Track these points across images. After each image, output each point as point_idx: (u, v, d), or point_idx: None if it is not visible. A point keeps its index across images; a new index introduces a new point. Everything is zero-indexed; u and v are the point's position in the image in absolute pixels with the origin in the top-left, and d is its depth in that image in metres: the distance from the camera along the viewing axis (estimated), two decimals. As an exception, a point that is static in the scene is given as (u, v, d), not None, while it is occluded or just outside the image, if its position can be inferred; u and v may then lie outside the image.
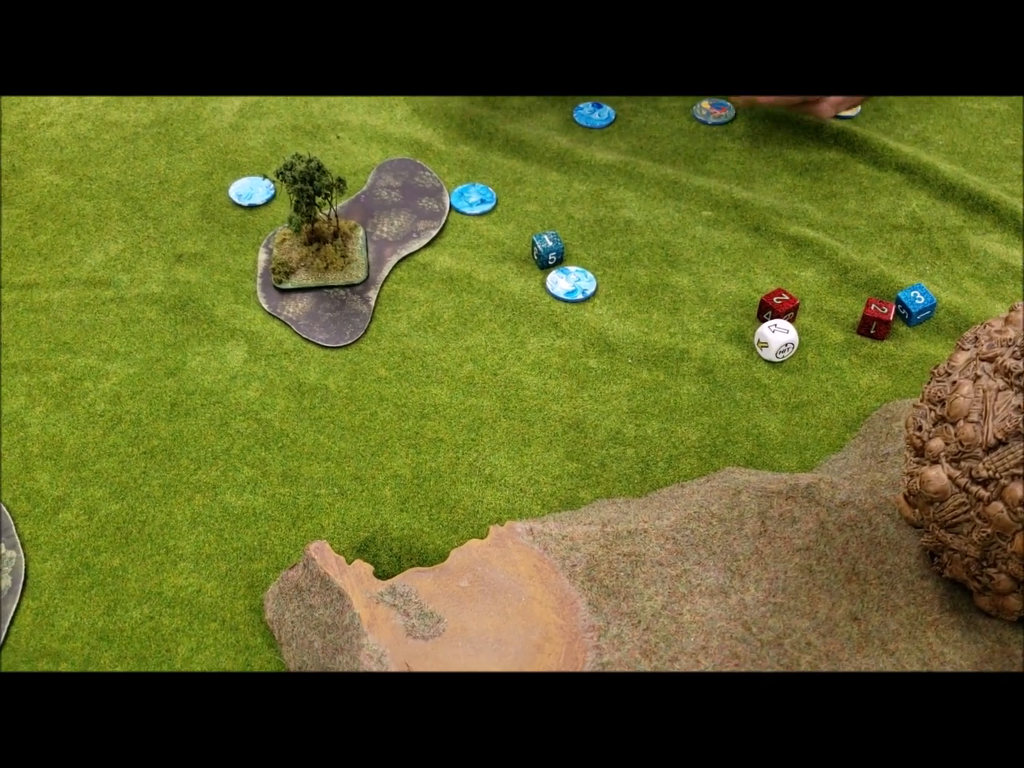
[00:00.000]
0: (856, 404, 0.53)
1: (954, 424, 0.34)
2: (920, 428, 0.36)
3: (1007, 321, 0.35)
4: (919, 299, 0.56)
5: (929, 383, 0.37)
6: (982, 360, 0.34)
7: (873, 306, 0.55)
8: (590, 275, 0.60)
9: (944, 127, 0.70)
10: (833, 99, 0.63)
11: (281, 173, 0.56)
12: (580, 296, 0.59)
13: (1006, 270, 0.60)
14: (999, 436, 0.32)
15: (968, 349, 0.36)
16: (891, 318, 0.55)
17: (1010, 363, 0.33)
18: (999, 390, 0.33)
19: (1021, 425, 0.32)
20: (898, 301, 0.56)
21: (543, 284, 0.60)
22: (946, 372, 0.36)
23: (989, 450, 0.33)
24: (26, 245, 0.63)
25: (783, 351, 0.54)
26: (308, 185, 0.56)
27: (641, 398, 0.54)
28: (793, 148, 0.69)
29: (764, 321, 0.57)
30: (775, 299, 0.56)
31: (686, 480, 0.49)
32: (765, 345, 0.54)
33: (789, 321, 0.56)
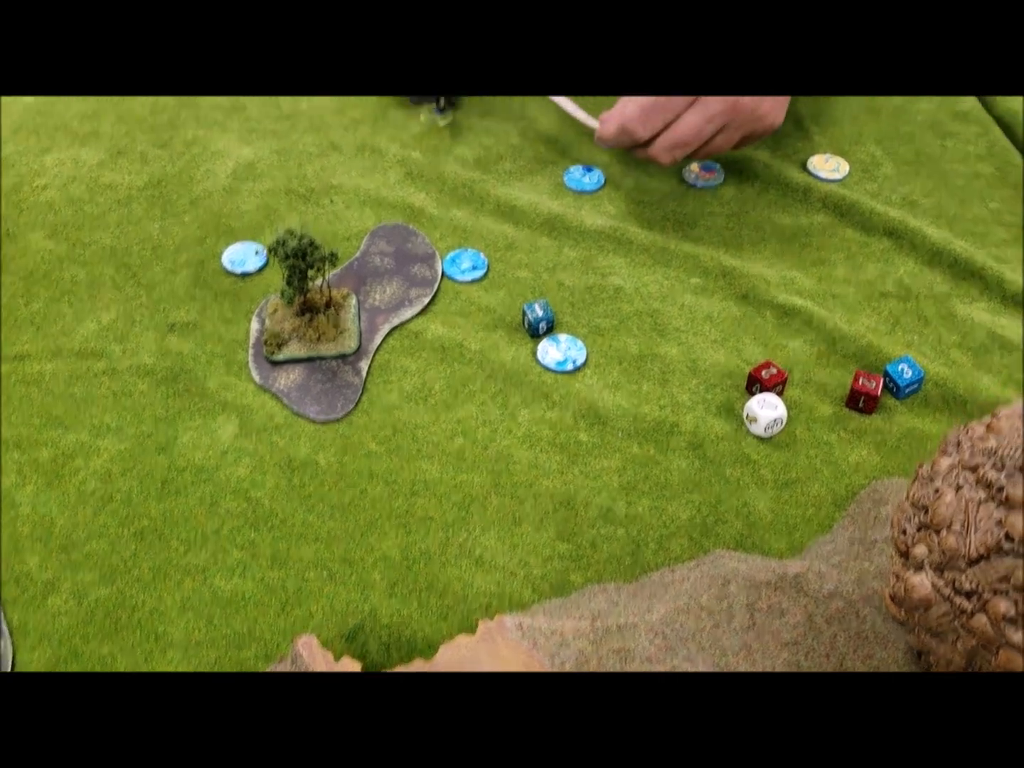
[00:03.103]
0: (845, 481, 0.53)
1: (937, 532, 0.35)
2: (904, 532, 0.37)
3: (989, 428, 0.35)
4: (907, 372, 0.56)
5: (913, 483, 0.38)
6: (964, 469, 0.35)
7: (861, 380, 0.56)
8: (580, 344, 0.60)
9: (931, 189, 0.71)
10: (666, 140, 0.62)
11: (273, 249, 0.56)
12: (570, 366, 0.59)
13: (993, 340, 0.60)
14: (981, 551, 0.33)
15: (951, 454, 0.36)
16: (879, 392, 0.55)
17: (991, 475, 0.33)
18: (981, 502, 0.33)
19: (1003, 540, 0.32)
20: (886, 374, 0.57)
21: (534, 353, 0.60)
22: (929, 477, 0.36)
23: (972, 563, 0.33)
24: (19, 314, 0.63)
25: (771, 427, 0.55)
26: (300, 261, 0.56)
27: (632, 474, 0.54)
28: (782, 212, 0.69)
29: (753, 394, 0.57)
30: (763, 372, 0.56)
31: (676, 563, 0.50)
32: (754, 420, 0.55)
33: (778, 394, 0.56)
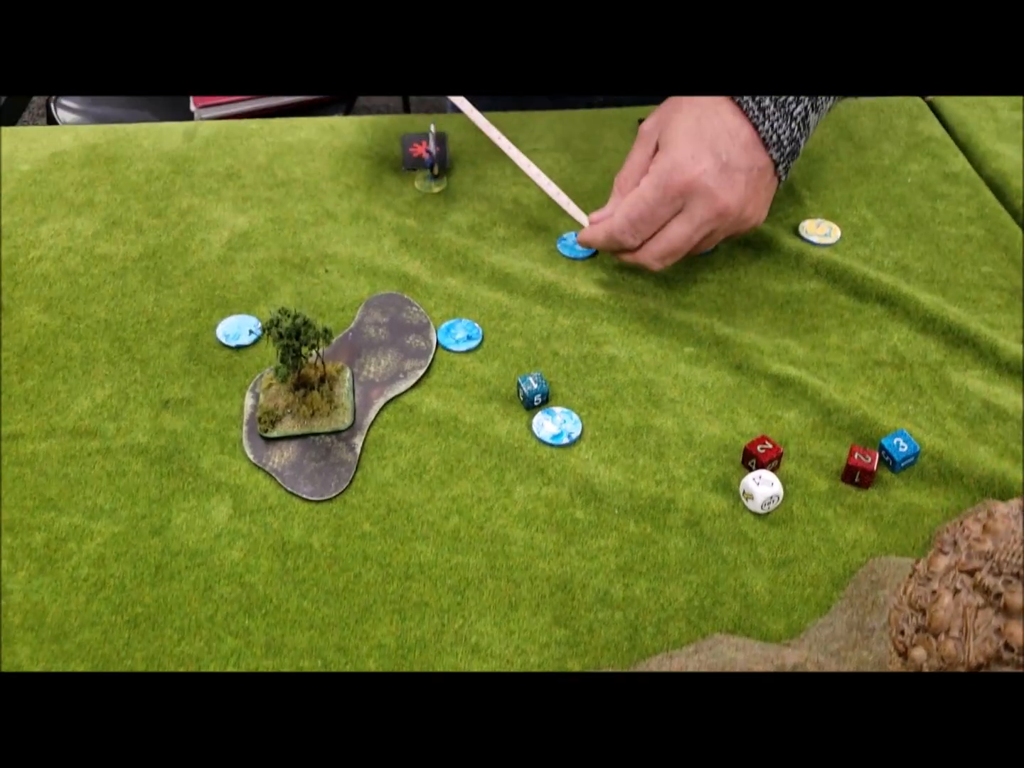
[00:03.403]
0: (842, 559, 0.53)
1: (936, 636, 0.34)
2: (903, 632, 0.36)
3: (985, 529, 0.35)
4: (902, 447, 0.56)
5: (910, 580, 0.37)
6: (961, 571, 0.34)
7: (857, 455, 0.55)
8: (575, 417, 0.60)
9: (923, 254, 0.71)
10: (655, 249, 0.64)
11: (267, 329, 0.56)
12: (566, 440, 0.59)
13: (988, 409, 0.60)
14: (980, 659, 0.32)
15: (948, 554, 0.36)
16: (875, 467, 0.55)
17: (989, 581, 0.33)
18: (979, 607, 0.33)
19: (1003, 650, 0.32)
20: (882, 448, 0.57)
21: (529, 426, 0.60)
22: (926, 576, 0.36)
23: (971, 671, 0.33)
24: (13, 391, 0.63)
25: (768, 503, 0.54)
26: (295, 340, 0.56)
27: (629, 553, 0.54)
28: (774, 278, 0.70)
29: (749, 469, 0.57)
30: (759, 447, 0.56)
31: (674, 647, 0.49)
32: (751, 497, 0.55)
33: (773, 470, 0.56)
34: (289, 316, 0.57)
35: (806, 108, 0.63)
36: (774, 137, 0.63)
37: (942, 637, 0.34)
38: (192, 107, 1.49)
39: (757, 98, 0.62)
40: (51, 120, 1.53)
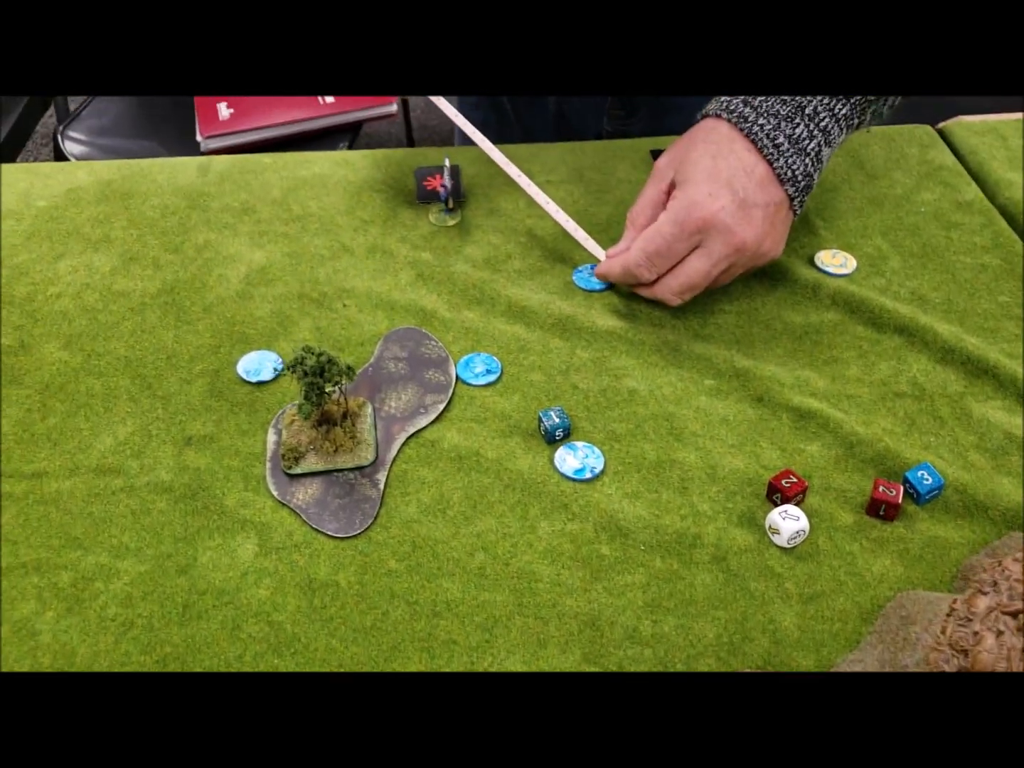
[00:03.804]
0: (870, 593, 0.53)
1: (978, 680, 0.34)
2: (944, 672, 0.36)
3: (1025, 570, 0.35)
4: (927, 479, 0.56)
5: (948, 621, 0.37)
6: (1004, 613, 0.35)
7: (881, 488, 0.56)
8: (598, 451, 0.60)
9: (939, 283, 0.71)
10: (673, 284, 0.65)
11: (292, 367, 0.57)
12: (588, 475, 0.59)
13: (1010, 441, 0.60)
14: (1026, 703, 0.32)
15: (988, 593, 0.36)
16: (900, 501, 0.55)
17: (1032, 623, 0.33)
18: None
19: (1047, 693, 0.32)
20: (906, 481, 0.57)
21: (551, 461, 0.60)
22: (967, 616, 0.36)
23: (1016, 714, 0.33)
24: (35, 429, 0.63)
25: (794, 538, 0.55)
26: (319, 378, 0.57)
27: (656, 590, 0.54)
28: (791, 309, 0.70)
29: (774, 503, 0.57)
30: (783, 482, 0.56)
31: (704, 685, 0.49)
32: (777, 532, 0.55)
33: (798, 504, 0.56)
34: (313, 354, 0.57)
35: (819, 144, 0.64)
36: (788, 173, 0.64)
37: (985, 679, 0.34)
38: (198, 137, 1.50)
39: (771, 136, 0.63)
40: (58, 150, 1.54)
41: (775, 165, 0.63)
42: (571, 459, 0.60)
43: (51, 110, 2.19)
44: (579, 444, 0.61)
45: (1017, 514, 0.55)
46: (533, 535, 0.56)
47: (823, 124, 0.65)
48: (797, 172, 0.64)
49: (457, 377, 0.66)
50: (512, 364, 0.67)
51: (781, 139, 0.63)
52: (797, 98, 0.64)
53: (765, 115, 0.64)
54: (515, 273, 0.74)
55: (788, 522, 0.54)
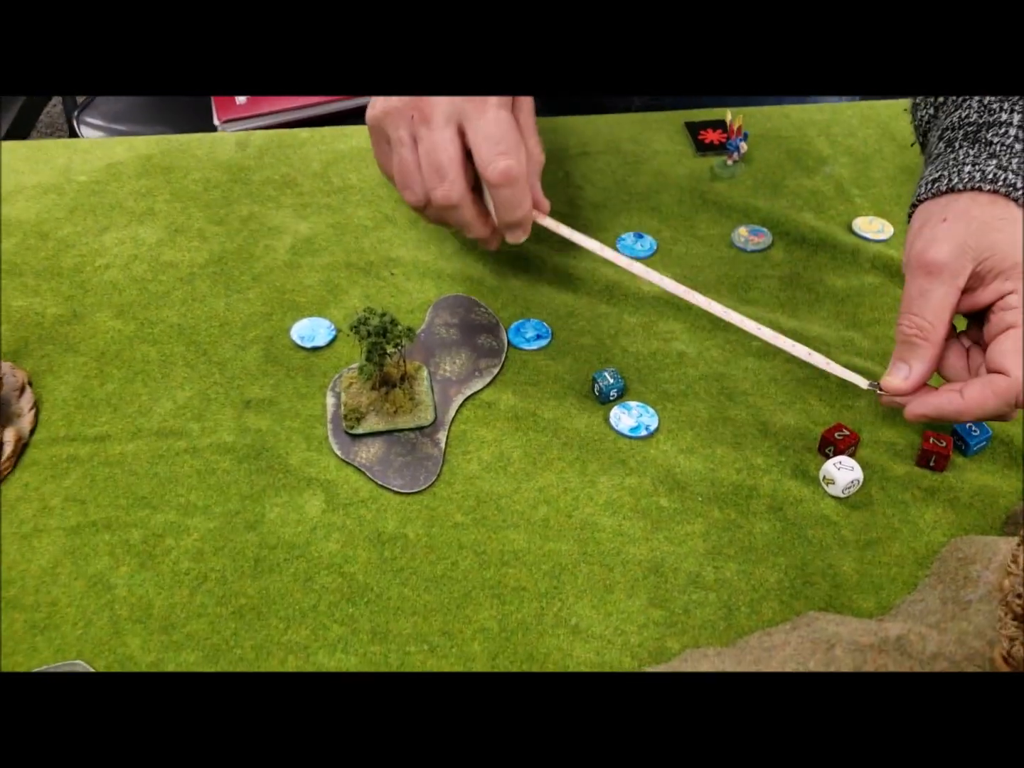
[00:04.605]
0: (924, 539, 0.55)
1: (1060, 598, 0.36)
2: (1020, 596, 0.38)
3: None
4: (975, 431, 0.58)
5: (1020, 548, 0.39)
6: (1082, 535, 0.36)
7: (931, 440, 0.57)
8: (651, 410, 0.62)
9: (974, 248, 0.73)
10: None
11: (356, 328, 0.58)
12: (644, 432, 0.61)
13: (1052, 395, 0.62)
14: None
15: (1064, 520, 0.38)
16: (950, 452, 0.57)
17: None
18: (1105, 568, 0.35)
19: None
20: (954, 433, 0.58)
21: (606, 420, 0.62)
22: (1044, 543, 0.38)
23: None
24: (94, 395, 0.64)
25: (849, 487, 0.56)
26: (382, 338, 0.58)
27: (716, 538, 0.55)
28: (832, 273, 0.71)
29: (826, 456, 0.58)
30: (836, 435, 0.58)
31: (770, 626, 0.51)
32: (832, 482, 0.56)
33: (851, 456, 0.58)
34: (376, 314, 0.58)
35: None
36: None
37: (1067, 598, 0.35)
38: (215, 121, 1.50)
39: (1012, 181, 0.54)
40: (74, 136, 1.54)
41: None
42: (626, 418, 0.61)
43: (54, 99, 2.19)
44: (633, 404, 0.62)
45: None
46: (593, 489, 0.58)
47: None
48: None
49: (509, 342, 0.67)
50: (562, 329, 0.68)
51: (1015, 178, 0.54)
52: None
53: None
54: (559, 242, 0.75)
55: (843, 472, 0.56)
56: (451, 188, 0.59)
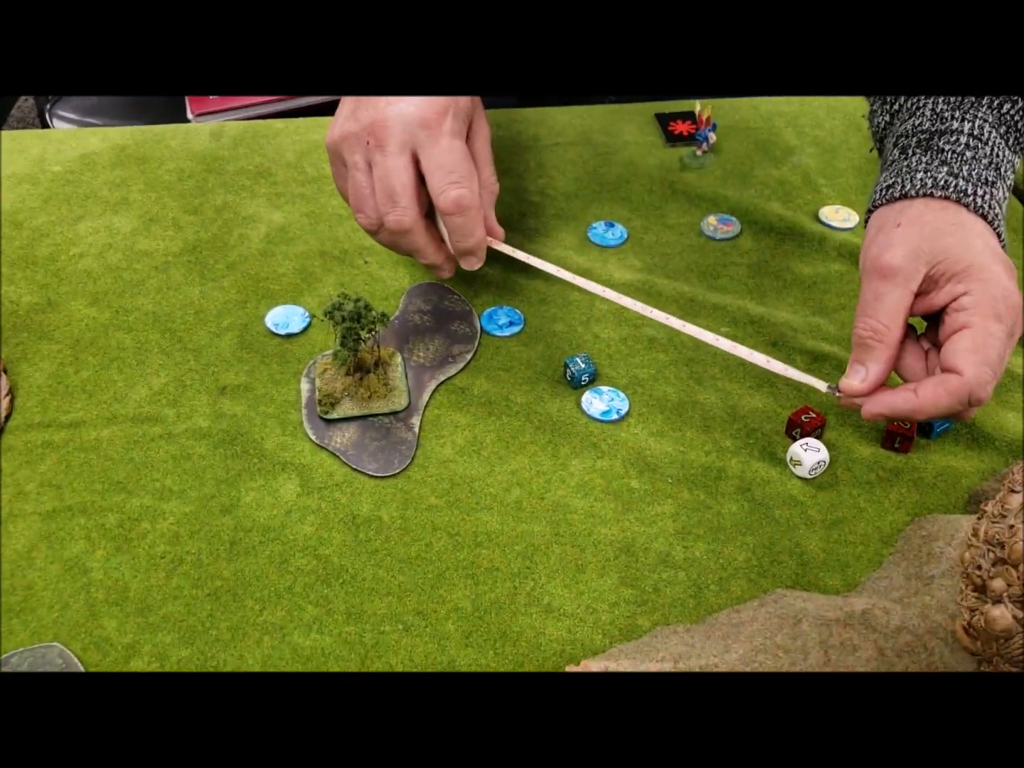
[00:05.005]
0: (889, 519, 0.56)
1: (1015, 567, 0.37)
2: (980, 567, 0.39)
3: (1054, 466, 0.38)
4: (938, 413, 0.59)
5: (980, 521, 0.40)
6: (1036, 506, 0.37)
7: (896, 421, 0.58)
8: (622, 394, 0.63)
9: (938, 237, 0.75)
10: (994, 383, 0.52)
11: (330, 313, 0.58)
12: (615, 416, 0.62)
13: (1012, 379, 0.63)
14: (1061, 583, 0.35)
15: (1019, 492, 0.39)
16: (914, 433, 0.58)
17: (1064, 511, 0.36)
18: (1056, 536, 0.36)
19: (1081, 571, 0.35)
20: (918, 415, 0.60)
21: (578, 404, 0.63)
22: (1001, 514, 0.39)
23: (1051, 594, 0.36)
24: (69, 382, 0.64)
25: (815, 468, 0.57)
26: (356, 323, 0.58)
27: (685, 519, 0.56)
28: (799, 261, 0.73)
29: (793, 438, 0.60)
30: (803, 417, 0.59)
31: (739, 603, 0.52)
32: (799, 463, 0.57)
33: (817, 438, 0.59)
34: (351, 300, 0.59)
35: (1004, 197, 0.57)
36: (1002, 234, 0.56)
37: (1022, 567, 0.37)
38: (189, 115, 1.50)
39: (994, 206, 0.55)
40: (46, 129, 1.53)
41: (1000, 231, 0.56)
42: (597, 402, 0.62)
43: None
44: (604, 388, 0.63)
45: (1020, 444, 0.59)
46: (565, 471, 0.59)
47: (1009, 181, 0.58)
48: (1004, 233, 0.56)
49: (481, 328, 0.68)
50: (534, 316, 0.69)
51: (997, 209, 0.56)
52: (994, 159, 0.57)
53: (980, 184, 0.55)
54: (531, 231, 0.76)
55: (809, 453, 0.57)
56: (403, 214, 0.60)
